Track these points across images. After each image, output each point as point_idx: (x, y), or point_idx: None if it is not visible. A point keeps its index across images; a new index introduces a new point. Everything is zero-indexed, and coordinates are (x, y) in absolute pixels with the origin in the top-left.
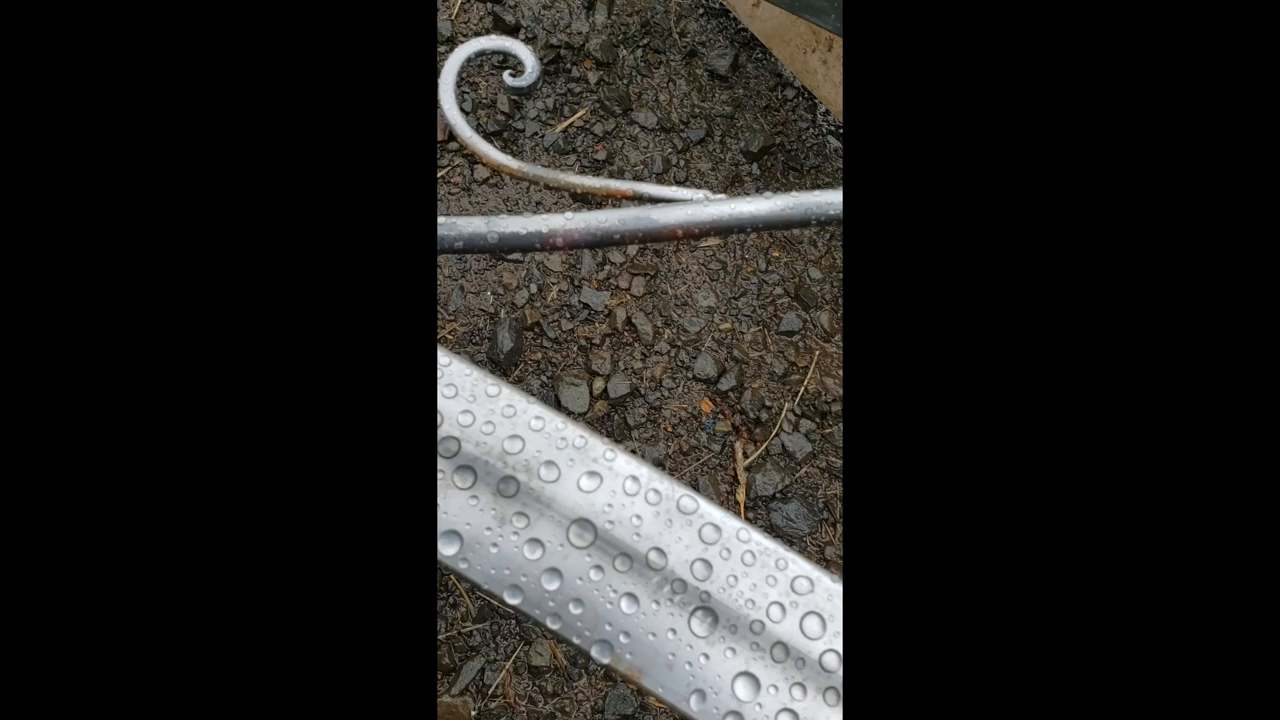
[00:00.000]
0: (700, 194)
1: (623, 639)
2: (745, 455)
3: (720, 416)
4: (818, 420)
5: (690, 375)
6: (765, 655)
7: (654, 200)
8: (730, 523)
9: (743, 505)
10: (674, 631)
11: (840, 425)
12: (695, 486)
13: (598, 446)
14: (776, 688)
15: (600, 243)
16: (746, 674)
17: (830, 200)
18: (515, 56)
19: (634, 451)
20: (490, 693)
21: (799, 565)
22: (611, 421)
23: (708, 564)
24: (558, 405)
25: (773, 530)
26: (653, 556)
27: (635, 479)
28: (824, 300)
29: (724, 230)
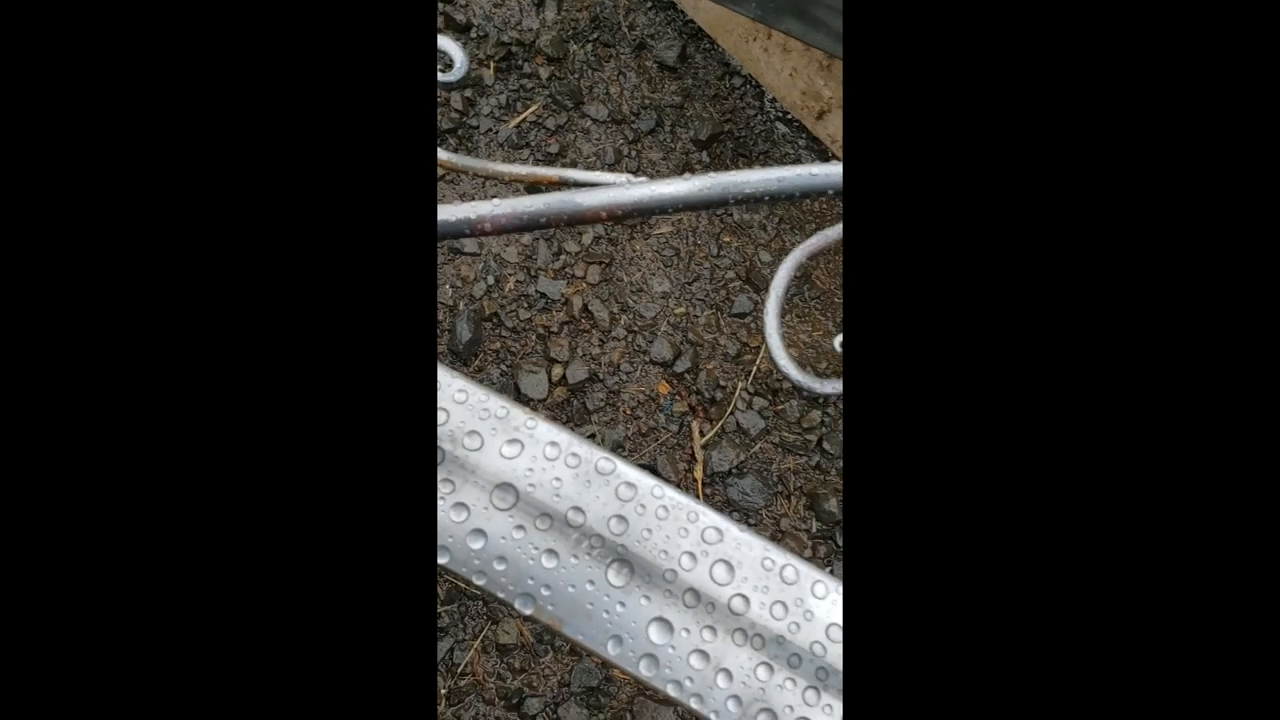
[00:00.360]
0: (623, 178)
1: (544, 591)
2: (702, 434)
3: (677, 398)
4: (770, 398)
5: (647, 359)
6: (678, 601)
7: (579, 184)
8: (645, 481)
9: (700, 482)
10: (592, 583)
11: (792, 401)
12: (654, 466)
13: (519, 416)
14: (688, 630)
15: (527, 226)
16: (660, 619)
17: (746, 179)
18: (445, 53)
19: (594, 435)
20: (459, 671)
21: (709, 517)
22: (571, 406)
23: (624, 519)
24: (517, 393)
25: (729, 504)
26: (571, 515)
27: (555, 444)
28: None
29: (646, 212)
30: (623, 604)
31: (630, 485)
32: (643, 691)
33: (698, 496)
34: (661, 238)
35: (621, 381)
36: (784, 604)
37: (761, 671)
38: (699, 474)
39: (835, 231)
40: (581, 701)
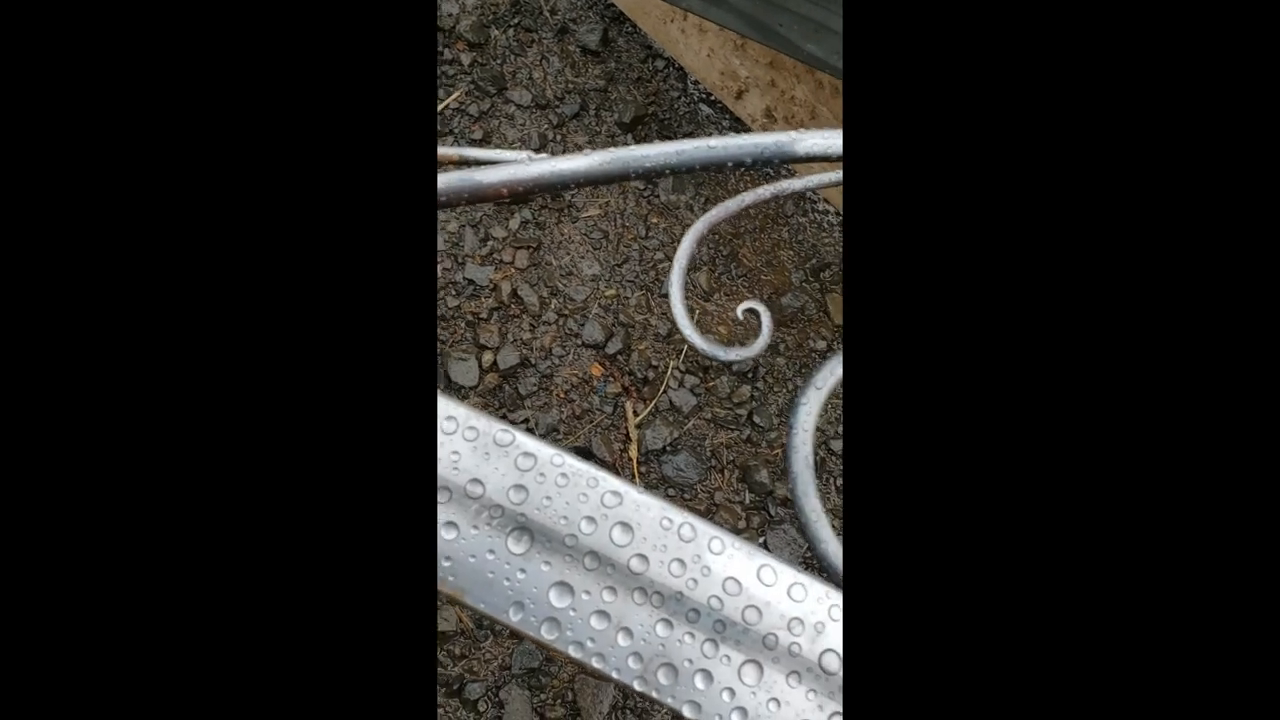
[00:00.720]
0: (524, 154)
1: (445, 563)
2: (636, 414)
3: (610, 379)
4: (701, 375)
5: (579, 342)
6: (578, 564)
7: (479, 163)
8: (544, 450)
9: (635, 461)
10: (492, 552)
11: (723, 378)
12: (589, 448)
13: None
14: (589, 592)
15: None
16: (561, 583)
17: (645, 153)
18: None
19: (527, 420)
20: None
21: (609, 482)
22: (503, 393)
23: (523, 488)
24: (448, 381)
25: (664, 481)
26: (470, 487)
27: (453, 419)
28: (701, 261)
29: (547, 188)
30: (523, 570)
31: (529, 455)
32: (583, 670)
33: (633, 476)
34: (590, 221)
35: (554, 365)
36: (681, 561)
37: (661, 628)
38: (634, 453)
39: (734, 203)
40: (523, 683)
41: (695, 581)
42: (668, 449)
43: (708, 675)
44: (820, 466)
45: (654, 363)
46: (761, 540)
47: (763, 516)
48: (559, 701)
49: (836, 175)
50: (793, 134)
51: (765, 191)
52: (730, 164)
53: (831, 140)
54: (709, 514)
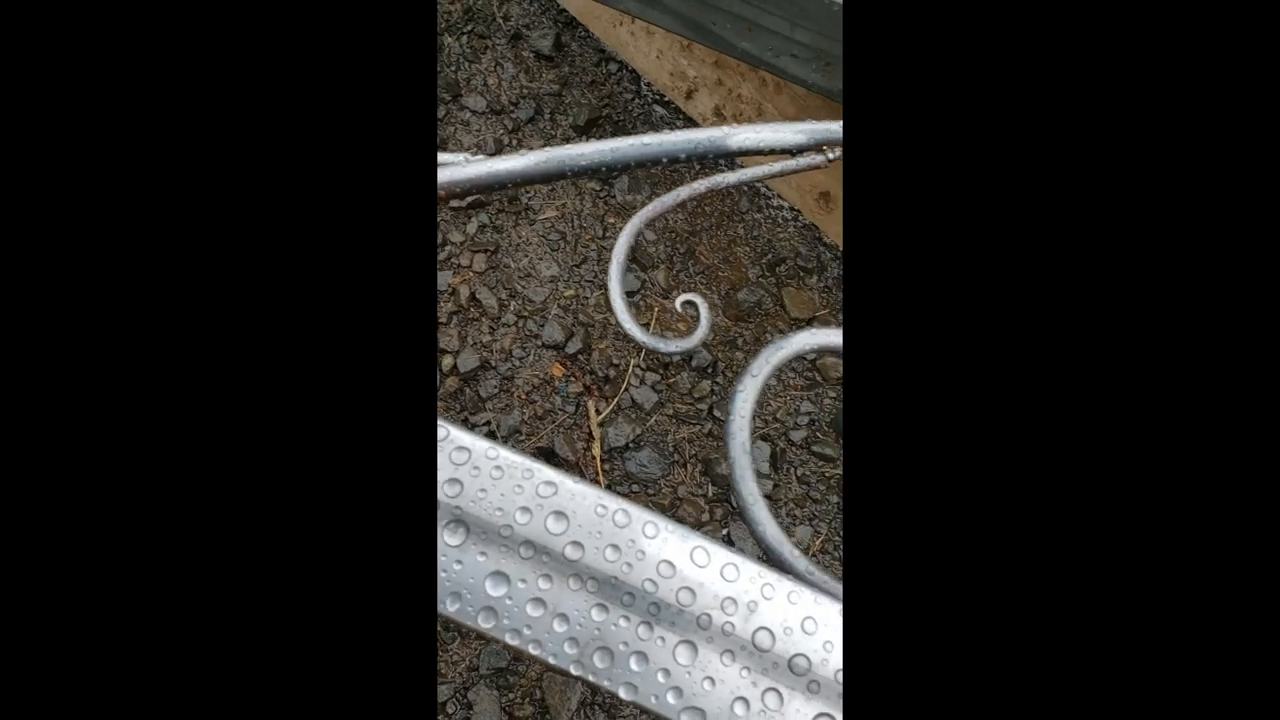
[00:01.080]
0: (460, 156)
1: None
2: (598, 412)
3: (572, 379)
4: (662, 372)
5: (539, 343)
6: (514, 554)
7: None
8: (479, 444)
9: (598, 458)
10: None
11: (683, 374)
12: (552, 448)
13: None
14: (525, 581)
15: None
16: (497, 572)
17: (580, 152)
18: None
19: (489, 423)
20: None
21: (544, 473)
22: (464, 396)
23: (458, 482)
24: None
25: (628, 478)
26: None
27: None
28: (659, 260)
29: (484, 188)
30: (459, 562)
31: (463, 449)
32: (550, 669)
33: (597, 474)
34: (547, 222)
35: (514, 367)
36: (616, 546)
37: (596, 612)
38: (597, 451)
39: (670, 198)
40: (490, 683)
41: (630, 566)
42: (630, 445)
43: (643, 657)
44: (780, 457)
45: (615, 361)
46: (725, 532)
47: (725, 508)
48: (527, 700)
49: (771, 168)
50: (725, 129)
51: (700, 186)
52: (665, 160)
53: (763, 134)
54: (672, 508)
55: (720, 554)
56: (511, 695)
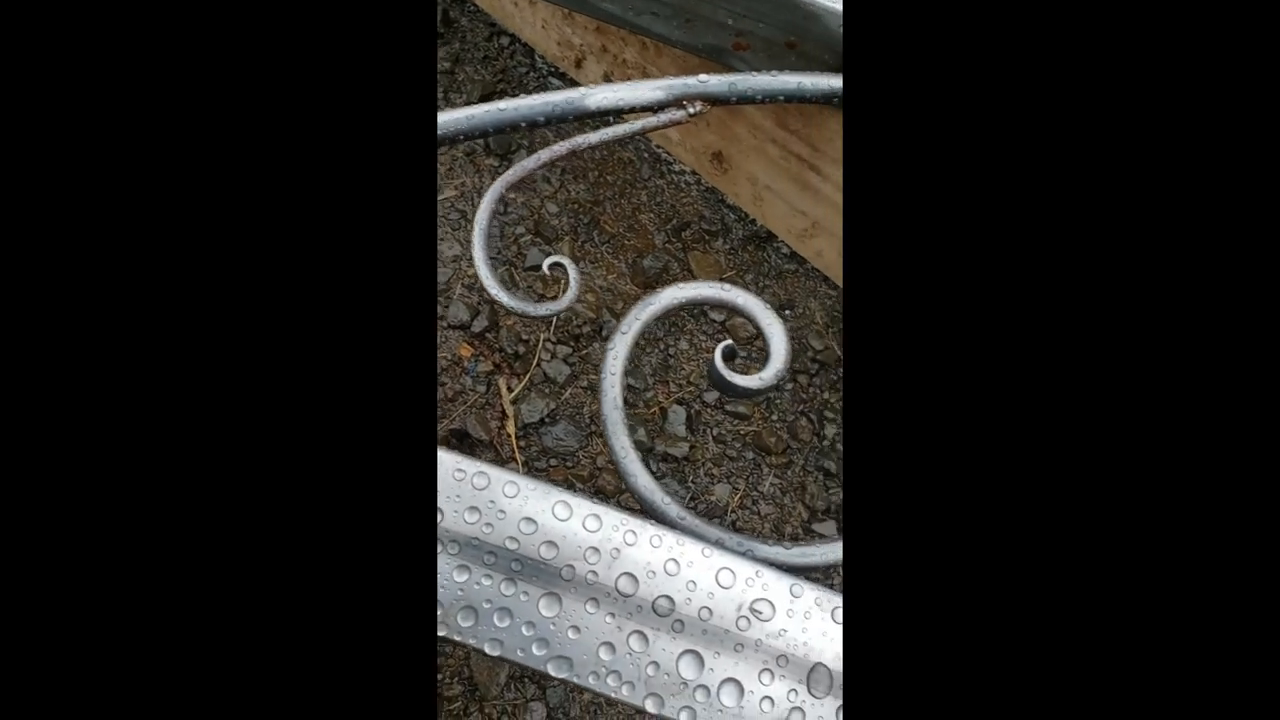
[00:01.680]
0: None
1: None
2: (510, 389)
3: (481, 358)
4: (573, 344)
5: (444, 324)
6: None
7: None
8: None
9: (513, 436)
10: None
11: (595, 344)
12: (465, 429)
13: None
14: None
15: None
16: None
17: (439, 121)
18: None
19: None
20: None
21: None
22: None
23: None
24: None
25: (545, 453)
26: None
27: None
28: (563, 232)
29: None
30: None
31: None
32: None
33: (513, 452)
34: (447, 202)
35: None
36: (476, 508)
37: (458, 574)
38: (511, 429)
39: (531, 161)
40: None
41: (491, 526)
42: (545, 420)
43: (506, 612)
44: (695, 420)
45: (524, 337)
46: None
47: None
48: (456, 679)
49: (632, 125)
50: (583, 89)
51: (561, 147)
52: (524, 124)
53: (620, 92)
54: (592, 479)
55: (584, 506)
56: (440, 675)
